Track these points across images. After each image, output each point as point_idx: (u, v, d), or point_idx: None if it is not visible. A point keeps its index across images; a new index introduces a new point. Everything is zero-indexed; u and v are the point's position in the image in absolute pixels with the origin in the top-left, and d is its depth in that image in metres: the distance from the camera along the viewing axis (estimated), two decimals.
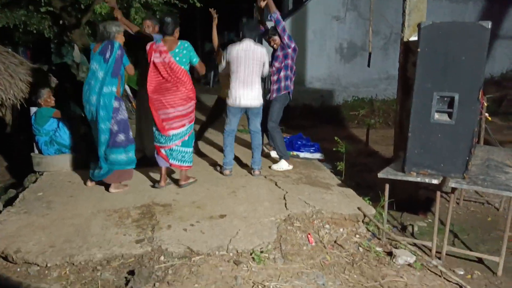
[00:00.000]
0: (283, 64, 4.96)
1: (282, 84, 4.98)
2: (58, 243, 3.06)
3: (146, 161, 4.80)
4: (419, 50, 3.45)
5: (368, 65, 5.66)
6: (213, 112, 5.83)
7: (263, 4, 4.76)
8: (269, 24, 5.12)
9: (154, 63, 3.96)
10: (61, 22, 8.36)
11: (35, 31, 8.95)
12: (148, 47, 4.01)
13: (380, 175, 3.65)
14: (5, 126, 6.04)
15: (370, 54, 5.52)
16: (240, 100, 4.51)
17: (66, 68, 10.81)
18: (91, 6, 7.35)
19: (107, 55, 3.89)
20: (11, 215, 3.52)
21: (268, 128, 5.01)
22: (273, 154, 5.50)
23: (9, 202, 3.91)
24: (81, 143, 4.95)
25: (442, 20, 3.57)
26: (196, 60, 4.08)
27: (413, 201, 4.61)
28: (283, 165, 5.06)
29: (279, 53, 4.97)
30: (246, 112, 4.65)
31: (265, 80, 5.21)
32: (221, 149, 5.93)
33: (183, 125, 4.11)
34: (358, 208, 3.88)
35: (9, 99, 5.28)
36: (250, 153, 4.85)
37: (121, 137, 4.01)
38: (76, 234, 3.21)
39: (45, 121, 4.77)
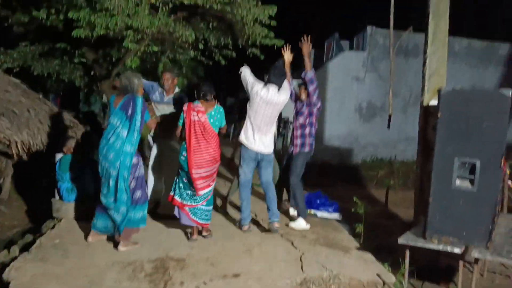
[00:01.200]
0: (308, 121, 5.03)
1: (307, 141, 5.03)
2: None
3: (161, 211, 4.80)
4: (439, 115, 3.48)
5: (388, 127, 5.70)
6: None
7: (290, 58, 4.78)
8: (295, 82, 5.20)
9: (190, 121, 4.10)
10: (92, 73, 8.81)
11: (66, 80, 9.43)
12: (186, 106, 4.17)
13: (400, 241, 3.57)
14: (29, 170, 6.19)
15: (390, 116, 5.58)
16: (255, 144, 4.52)
17: (93, 116, 11.22)
18: (121, 59, 7.73)
19: (129, 112, 3.84)
20: (27, 261, 3.52)
21: (290, 183, 5.00)
22: (292, 211, 5.43)
23: (26, 248, 3.92)
24: None
25: (462, 84, 3.64)
26: (224, 123, 4.30)
27: (434, 268, 4.44)
28: (301, 223, 4.97)
29: (305, 110, 5.04)
30: (259, 162, 4.63)
31: (279, 131, 5.23)
32: (237, 204, 5.92)
33: (209, 186, 4.21)
34: (378, 275, 3.74)
35: (36, 144, 5.45)
36: (265, 208, 4.77)
37: (138, 194, 3.98)
38: (89, 286, 3.18)
39: (68, 168, 4.88)
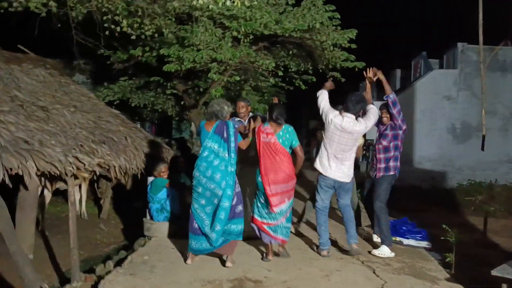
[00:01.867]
0: (392, 144, 4.87)
1: (391, 164, 4.86)
2: None
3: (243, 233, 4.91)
4: None
5: (482, 149, 5.28)
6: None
7: (373, 79, 4.77)
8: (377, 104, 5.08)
9: (261, 143, 4.25)
10: (182, 102, 9.47)
11: (160, 110, 10.29)
12: (256, 129, 4.34)
13: (494, 272, 3.25)
14: (125, 192, 6.77)
15: (484, 136, 5.17)
16: (330, 171, 4.47)
17: (183, 142, 11.98)
18: (208, 89, 8.22)
19: (225, 135, 4.07)
20: (118, 275, 3.84)
21: (375, 209, 4.83)
22: (376, 238, 5.21)
23: (119, 263, 4.27)
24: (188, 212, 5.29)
25: None
26: (296, 143, 4.31)
27: None
28: (385, 251, 4.73)
29: (389, 132, 4.90)
30: (336, 188, 4.56)
31: (364, 155, 5.08)
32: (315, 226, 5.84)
33: (283, 201, 4.24)
34: None
35: (132, 168, 5.97)
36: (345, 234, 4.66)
37: (239, 207, 4.17)
38: None
39: (158, 190, 5.27)
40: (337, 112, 4.45)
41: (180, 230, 5.09)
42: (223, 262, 4.16)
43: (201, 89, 8.85)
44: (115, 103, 8.99)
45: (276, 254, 4.41)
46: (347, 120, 4.37)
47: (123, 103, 9.36)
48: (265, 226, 4.26)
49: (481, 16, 4.94)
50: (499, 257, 5.10)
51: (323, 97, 4.62)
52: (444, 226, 4.66)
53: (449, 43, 11.99)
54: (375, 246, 4.95)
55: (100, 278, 3.85)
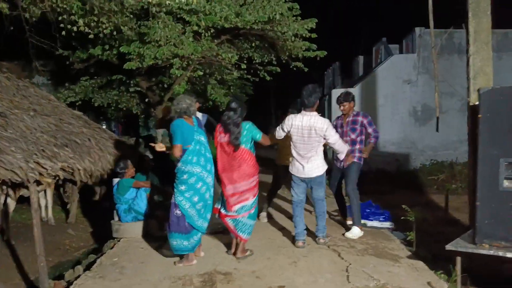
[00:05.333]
0: (359, 139, 5.19)
1: (357, 154, 5.17)
2: None
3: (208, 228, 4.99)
4: (480, 116, 3.35)
5: (437, 130, 5.51)
6: (273, 182, 6.01)
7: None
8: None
9: (220, 143, 4.27)
10: (146, 99, 9.38)
11: (124, 108, 10.13)
12: (216, 127, 4.36)
13: (449, 247, 3.45)
14: (94, 194, 6.69)
15: (438, 118, 5.39)
16: (300, 171, 4.60)
17: (151, 140, 11.85)
18: (172, 85, 8.18)
19: (203, 128, 4.25)
20: (87, 279, 3.84)
21: (348, 192, 5.10)
22: (349, 222, 5.48)
23: (89, 267, 4.25)
24: (156, 211, 5.29)
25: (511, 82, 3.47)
26: (259, 136, 4.31)
27: (496, 277, 4.17)
28: (356, 232, 4.97)
29: (358, 127, 5.17)
30: (307, 183, 4.66)
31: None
32: (283, 216, 5.99)
33: (247, 199, 4.26)
34: (428, 283, 3.62)
35: (98, 170, 5.90)
36: (314, 220, 4.82)
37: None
38: None
39: (125, 190, 5.24)
40: (292, 116, 4.58)
41: (149, 229, 5.12)
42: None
43: (165, 85, 8.80)
44: (77, 104, 8.81)
45: (234, 254, 4.35)
46: (306, 118, 4.48)
47: (85, 103, 9.18)
48: (226, 219, 4.29)
49: (430, 1, 5.11)
50: (459, 233, 5.36)
51: (278, 131, 4.75)
52: (403, 206, 4.85)
53: (409, 28, 12.29)
54: (347, 229, 5.20)
55: (70, 283, 3.83)
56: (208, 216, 4.18)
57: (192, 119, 4.15)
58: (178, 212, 4.04)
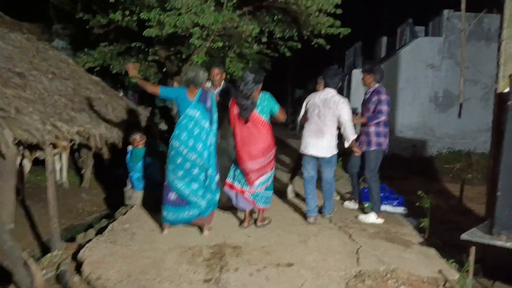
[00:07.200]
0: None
1: (373, 139, 4.87)
2: (135, 274, 3.29)
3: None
4: (509, 103, 3.21)
5: (459, 116, 5.37)
6: (297, 159, 5.94)
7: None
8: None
9: (235, 115, 4.16)
10: (164, 69, 9.30)
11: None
12: (230, 101, 4.24)
13: (464, 236, 3.37)
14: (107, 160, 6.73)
15: (461, 104, 5.23)
16: (309, 148, 4.54)
17: (167, 111, 11.84)
18: (190, 56, 8.07)
19: (208, 104, 4.01)
20: (99, 243, 3.89)
21: (366, 177, 4.93)
22: (347, 203, 5.47)
23: (101, 231, 4.31)
24: None
25: None
26: (277, 107, 4.20)
27: (509, 268, 4.10)
28: (370, 218, 4.88)
29: (371, 106, 4.85)
30: (318, 161, 4.63)
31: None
32: (297, 194, 5.95)
33: (266, 172, 4.24)
34: (439, 271, 3.57)
35: (112, 138, 5.92)
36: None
37: (217, 177, 4.16)
38: (151, 266, 3.42)
39: (138, 159, 5.25)
40: (312, 94, 4.59)
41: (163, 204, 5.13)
42: (201, 231, 4.22)
43: (184, 56, 8.69)
44: (95, 69, 8.77)
45: (254, 222, 4.47)
46: (324, 93, 4.47)
47: (104, 70, 9.13)
48: (246, 194, 4.28)
49: None
50: (472, 223, 5.27)
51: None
52: (419, 192, 4.76)
53: (436, 10, 11.89)
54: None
55: (81, 246, 3.88)
56: (208, 195, 4.06)
57: (196, 93, 4.00)
58: (165, 183, 4.07)
